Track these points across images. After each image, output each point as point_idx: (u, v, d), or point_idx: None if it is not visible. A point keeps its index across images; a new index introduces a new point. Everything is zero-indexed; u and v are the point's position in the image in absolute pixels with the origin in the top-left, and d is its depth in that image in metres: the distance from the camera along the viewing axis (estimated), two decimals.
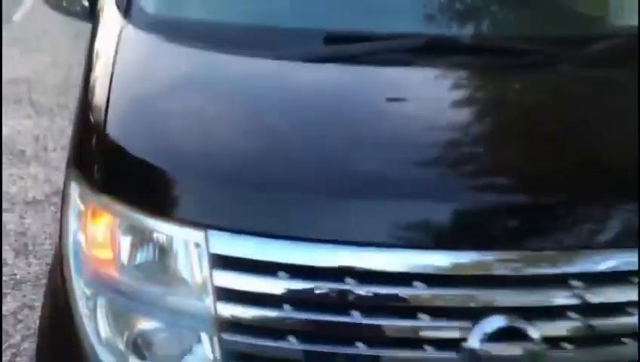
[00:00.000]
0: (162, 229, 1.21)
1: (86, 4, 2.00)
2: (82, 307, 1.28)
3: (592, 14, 1.97)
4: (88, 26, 2.13)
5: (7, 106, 5.08)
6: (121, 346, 1.25)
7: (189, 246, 1.18)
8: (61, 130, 4.48)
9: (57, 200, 3.22)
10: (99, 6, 1.84)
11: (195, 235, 1.17)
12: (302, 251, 1.14)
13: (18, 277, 2.86)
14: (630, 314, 1.17)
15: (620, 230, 1.21)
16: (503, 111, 1.50)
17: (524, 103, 1.52)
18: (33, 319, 2.56)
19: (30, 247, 3.07)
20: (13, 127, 4.64)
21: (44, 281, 2.47)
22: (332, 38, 1.60)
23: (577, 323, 1.16)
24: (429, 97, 1.48)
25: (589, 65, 1.62)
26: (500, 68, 1.54)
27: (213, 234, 1.16)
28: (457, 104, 1.48)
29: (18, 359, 2.37)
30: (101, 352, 1.26)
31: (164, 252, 1.21)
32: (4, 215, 3.39)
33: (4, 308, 2.67)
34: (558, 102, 1.54)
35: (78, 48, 5.98)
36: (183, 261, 1.19)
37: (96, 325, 1.26)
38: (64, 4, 2.12)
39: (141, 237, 1.23)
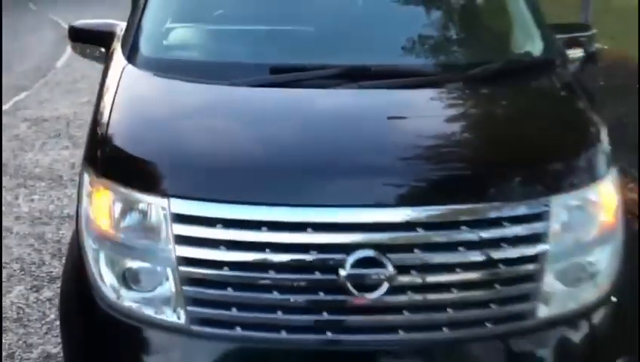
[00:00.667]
0: (143, 199, 1.78)
1: (103, 50, 2.63)
2: (90, 257, 1.85)
3: (489, 46, 2.51)
4: None
5: (49, 140, 5.81)
6: (116, 283, 1.82)
7: (158, 209, 1.75)
8: None
9: None
10: (110, 51, 2.47)
11: (163, 202, 1.74)
12: (229, 209, 1.69)
13: (53, 274, 3.47)
14: (457, 251, 1.69)
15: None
16: (401, 112, 2.04)
17: (414, 109, 2.06)
18: None
19: (64, 251, 3.68)
20: (53, 157, 5.34)
21: None
22: (276, 69, 2.18)
23: (421, 256, 1.68)
24: (341, 105, 2.04)
25: (466, 84, 2.17)
26: (394, 87, 2.09)
27: (173, 200, 1.73)
28: (362, 108, 2.04)
29: (53, 332, 2.96)
30: (103, 288, 1.82)
31: (144, 214, 1.78)
32: (45, 227, 4.04)
33: (42, 296, 3.28)
34: (442, 108, 2.09)
35: None
36: (155, 219, 1.76)
37: (99, 269, 1.83)
38: (88, 51, 2.76)
39: (129, 206, 1.81)
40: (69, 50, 10.77)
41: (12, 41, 11.94)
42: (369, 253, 1.66)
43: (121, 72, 2.20)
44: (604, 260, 1.86)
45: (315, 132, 1.88)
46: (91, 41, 2.69)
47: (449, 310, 1.71)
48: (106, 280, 1.83)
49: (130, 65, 2.22)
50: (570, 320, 1.81)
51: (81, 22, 2.73)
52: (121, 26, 2.59)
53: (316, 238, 1.68)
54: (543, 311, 1.76)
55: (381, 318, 1.70)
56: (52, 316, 3.09)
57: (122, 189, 1.81)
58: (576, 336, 1.83)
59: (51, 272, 3.50)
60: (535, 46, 2.42)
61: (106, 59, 2.45)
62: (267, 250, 1.69)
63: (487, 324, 1.72)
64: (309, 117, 1.96)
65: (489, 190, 1.79)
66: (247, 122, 1.95)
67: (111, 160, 1.91)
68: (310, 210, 1.69)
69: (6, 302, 3.20)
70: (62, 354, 2.57)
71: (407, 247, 1.69)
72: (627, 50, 9.93)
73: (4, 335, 2.94)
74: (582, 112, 2.12)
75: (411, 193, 1.75)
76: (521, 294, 1.75)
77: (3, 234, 3.87)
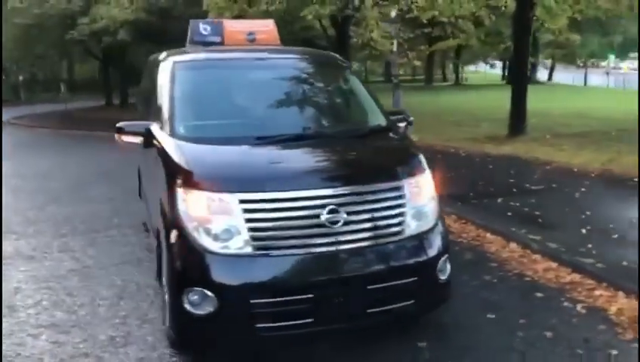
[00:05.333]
0: (223, 198, 3.66)
1: (142, 139, 4.52)
2: (191, 229, 3.63)
3: (358, 122, 4.83)
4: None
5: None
6: (210, 240, 3.63)
7: (233, 199, 3.61)
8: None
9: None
10: (156, 135, 4.37)
11: (236, 195, 3.61)
12: (271, 194, 3.61)
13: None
14: (372, 204, 3.81)
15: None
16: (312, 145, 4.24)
17: (329, 151, 4.24)
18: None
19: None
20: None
21: None
22: (259, 138, 4.22)
23: (357, 208, 3.76)
24: (292, 149, 4.14)
25: (349, 138, 4.40)
26: (310, 140, 4.27)
27: (240, 193, 3.63)
28: (298, 147, 4.17)
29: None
30: (203, 243, 3.62)
31: (223, 203, 3.65)
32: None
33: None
34: (340, 148, 4.29)
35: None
36: (230, 206, 3.63)
37: (200, 234, 3.60)
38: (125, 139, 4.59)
39: (214, 201, 3.67)
40: None
41: None
42: (333, 207, 3.71)
43: (166, 142, 4.16)
44: (431, 210, 4.10)
45: (283, 163, 4.01)
46: (131, 134, 4.57)
47: (370, 232, 3.79)
48: (203, 238, 3.65)
49: (171, 138, 4.19)
50: (420, 236, 3.98)
51: (122, 123, 4.61)
52: (152, 125, 4.52)
53: (311, 203, 3.70)
54: (408, 231, 3.92)
55: (341, 237, 3.73)
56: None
57: (208, 193, 3.69)
58: (425, 243, 3.99)
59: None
60: (381, 121, 4.76)
61: (156, 137, 4.36)
62: (289, 211, 3.66)
63: (387, 238, 3.84)
64: (283, 156, 4.09)
65: (378, 177, 3.96)
66: (253, 159, 4.04)
67: (190, 179, 3.79)
68: (306, 191, 3.71)
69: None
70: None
71: (351, 204, 3.76)
72: (428, 139, 13.27)
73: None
74: (409, 147, 4.46)
75: (348, 179, 3.87)
76: (397, 223, 3.89)
77: None
